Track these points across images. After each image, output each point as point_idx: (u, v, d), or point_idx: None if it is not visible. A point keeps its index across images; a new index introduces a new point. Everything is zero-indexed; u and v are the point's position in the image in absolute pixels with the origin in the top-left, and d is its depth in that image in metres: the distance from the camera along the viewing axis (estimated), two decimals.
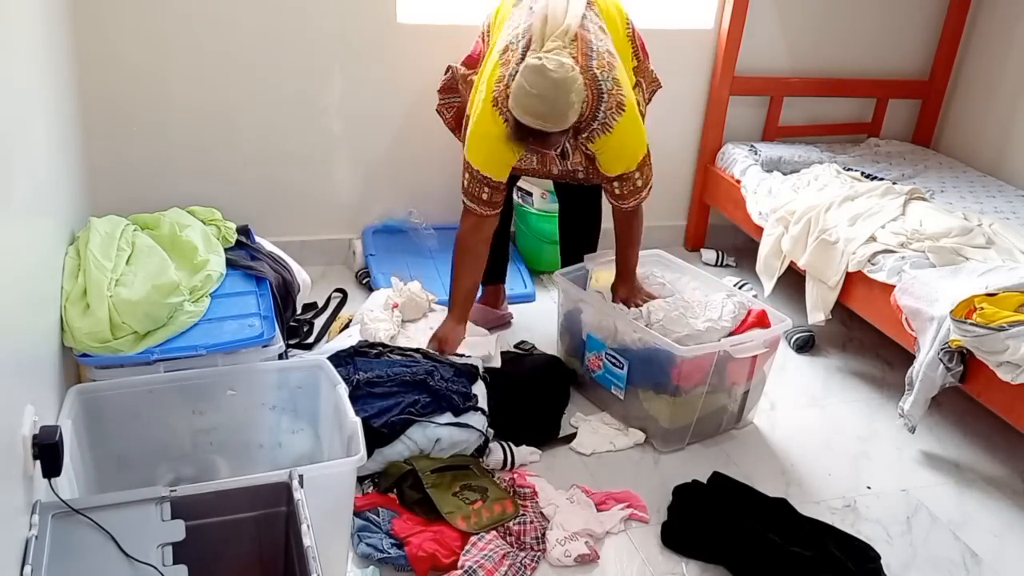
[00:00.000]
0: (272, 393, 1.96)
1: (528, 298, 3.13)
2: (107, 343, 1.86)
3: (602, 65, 2.24)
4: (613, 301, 2.55)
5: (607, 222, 2.88)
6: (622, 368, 2.41)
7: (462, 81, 2.62)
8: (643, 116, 2.62)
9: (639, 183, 2.40)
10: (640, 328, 2.34)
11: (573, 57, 2.21)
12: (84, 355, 1.86)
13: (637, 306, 2.50)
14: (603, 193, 2.53)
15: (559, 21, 2.28)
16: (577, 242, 2.81)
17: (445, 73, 2.71)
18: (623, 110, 2.25)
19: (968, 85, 3.65)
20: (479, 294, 2.95)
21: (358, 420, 1.74)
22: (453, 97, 2.70)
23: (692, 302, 2.45)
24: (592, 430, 2.44)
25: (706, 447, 2.44)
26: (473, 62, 2.58)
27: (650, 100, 2.66)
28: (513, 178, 2.76)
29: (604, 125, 2.24)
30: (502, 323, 2.96)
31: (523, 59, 2.23)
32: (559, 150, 2.39)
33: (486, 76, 2.32)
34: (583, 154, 2.41)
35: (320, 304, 2.96)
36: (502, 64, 2.28)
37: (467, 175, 2.37)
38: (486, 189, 2.36)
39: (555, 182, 2.79)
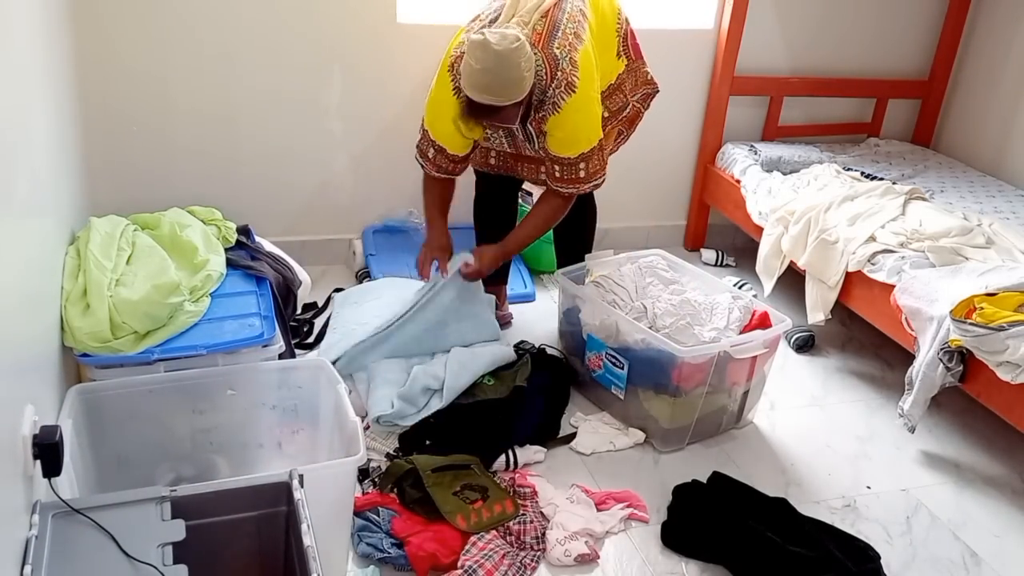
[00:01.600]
0: (272, 393, 1.97)
1: (528, 298, 3.13)
2: (107, 343, 1.86)
3: (563, 45, 2.25)
4: (454, 257, 2.55)
5: (602, 222, 2.89)
6: (622, 368, 2.41)
7: None
8: (637, 117, 2.61)
9: (581, 173, 2.37)
10: (641, 329, 2.34)
11: (537, 33, 2.23)
12: (84, 355, 1.86)
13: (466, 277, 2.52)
14: (545, 173, 2.47)
15: (535, 2, 2.29)
16: (571, 242, 2.81)
17: None
18: (573, 91, 2.24)
19: (968, 85, 3.65)
20: None
21: (358, 420, 1.75)
22: None
23: (699, 306, 2.44)
24: (592, 430, 2.44)
25: (706, 447, 2.44)
26: None
27: (648, 104, 2.65)
28: (516, 182, 2.76)
29: (554, 104, 2.25)
30: (503, 323, 2.96)
31: (485, 30, 2.24)
32: (521, 128, 2.40)
33: (452, 40, 2.36)
34: (544, 135, 2.40)
35: (320, 304, 2.96)
36: (466, 31, 2.31)
37: (420, 132, 2.43)
38: (431, 150, 2.42)
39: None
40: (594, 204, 2.81)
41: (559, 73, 2.23)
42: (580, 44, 2.28)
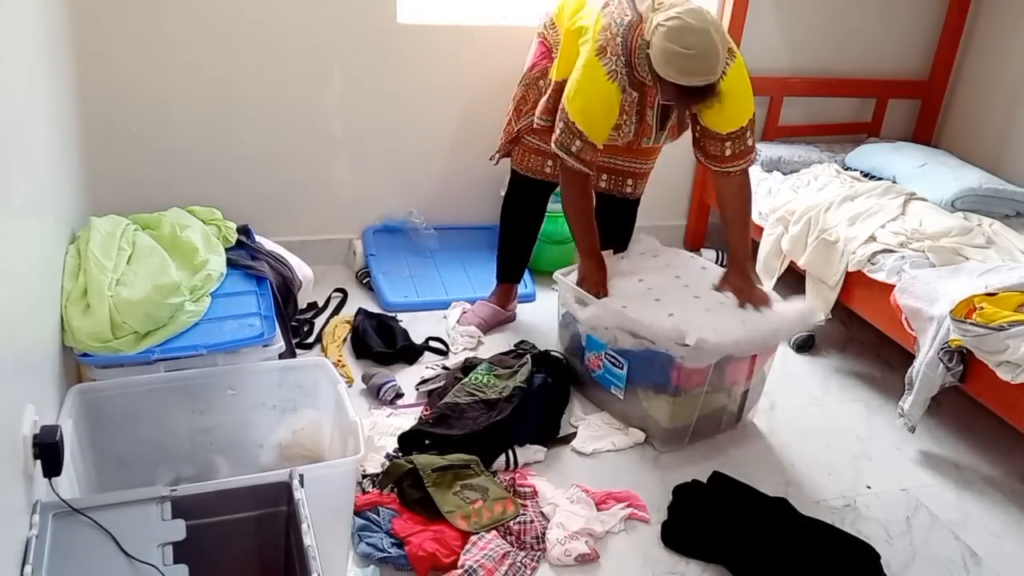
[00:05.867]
0: (272, 393, 1.97)
1: (529, 298, 3.13)
2: (107, 343, 1.86)
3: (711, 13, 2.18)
4: (720, 289, 2.41)
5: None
6: (622, 368, 2.41)
7: (531, 86, 2.57)
8: None
9: (750, 141, 2.30)
10: (639, 325, 2.33)
11: None
12: (84, 355, 1.86)
13: (746, 306, 2.35)
14: (701, 154, 2.39)
15: None
16: (610, 243, 2.75)
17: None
18: (734, 56, 2.20)
19: (968, 85, 3.64)
20: (493, 292, 2.95)
21: (358, 419, 1.75)
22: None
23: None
24: (592, 429, 2.44)
25: (706, 447, 2.44)
26: (540, 64, 2.54)
27: None
28: (550, 185, 2.75)
29: (721, 73, 2.15)
30: (507, 321, 2.97)
31: (631, 10, 2.18)
32: (659, 119, 2.34)
33: (590, 27, 2.25)
34: (679, 122, 2.35)
35: (320, 304, 2.96)
36: (604, 16, 2.23)
37: (561, 124, 2.31)
38: (577, 142, 2.30)
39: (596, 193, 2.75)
40: (636, 211, 2.82)
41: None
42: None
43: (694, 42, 2.04)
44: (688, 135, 2.46)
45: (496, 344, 2.82)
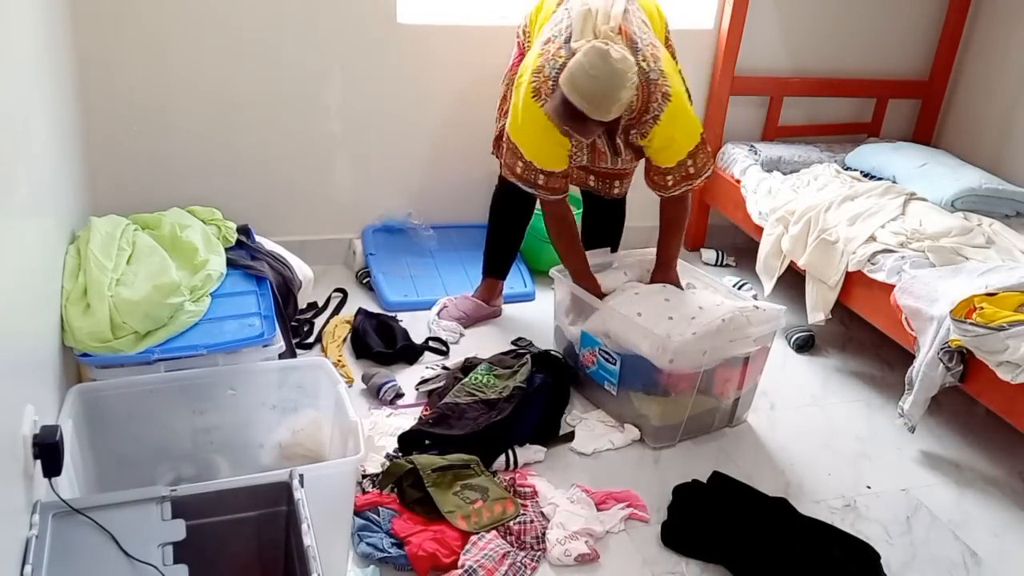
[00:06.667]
0: (272, 393, 1.96)
1: (528, 297, 3.13)
2: (107, 343, 1.86)
3: (647, 57, 2.24)
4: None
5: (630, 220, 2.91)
6: (615, 364, 2.41)
7: (510, 85, 2.58)
8: None
9: (691, 170, 2.37)
10: (630, 324, 2.33)
11: None
12: (84, 355, 1.86)
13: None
14: (647, 179, 2.46)
15: (605, 15, 2.27)
16: (599, 244, 2.80)
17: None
18: (668, 100, 2.24)
19: (968, 85, 3.64)
20: (478, 287, 2.96)
21: (358, 419, 1.75)
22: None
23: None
24: (589, 428, 2.44)
25: (706, 447, 2.44)
26: (518, 65, 2.55)
27: None
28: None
29: (654, 117, 2.24)
30: (490, 316, 2.97)
31: (565, 48, 2.22)
32: (607, 143, 2.41)
33: (528, 67, 2.32)
34: (632, 149, 2.41)
35: (320, 304, 2.96)
36: (541, 55, 2.29)
37: (520, 163, 2.39)
38: (540, 176, 2.38)
39: (583, 190, 2.79)
40: (624, 208, 2.85)
41: (652, 87, 2.23)
42: (660, 52, 2.30)
43: (600, 68, 2.12)
44: None
45: (494, 343, 2.82)
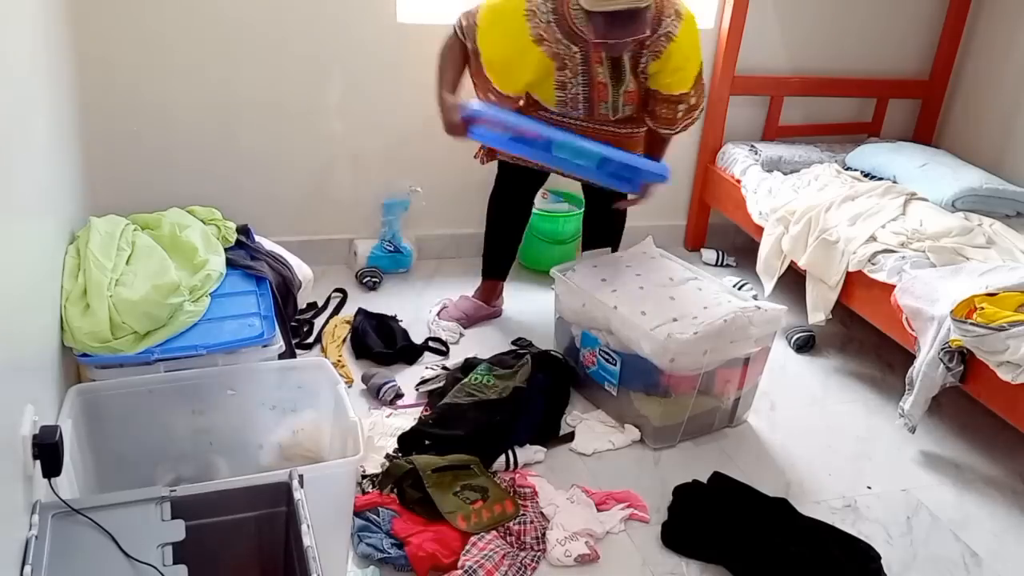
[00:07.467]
0: (272, 393, 1.96)
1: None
2: (107, 343, 1.86)
3: None
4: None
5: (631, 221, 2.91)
6: (615, 364, 2.41)
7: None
8: None
9: (692, 101, 2.33)
10: (631, 324, 2.33)
11: None
12: (84, 355, 1.86)
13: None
14: (650, 118, 2.41)
15: None
16: (600, 244, 2.81)
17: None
18: (681, 17, 2.21)
19: (968, 85, 3.65)
20: (478, 288, 2.96)
21: (358, 420, 1.74)
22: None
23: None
24: (589, 428, 2.44)
25: (706, 447, 2.44)
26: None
27: None
28: (538, 181, 2.75)
29: (667, 34, 2.19)
30: (491, 317, 2.97)
31: None
32: (612, 74, 2.33)
33: None
34: (637, 80, 2.36)
35: (320, 304, 2.96)
36: None
37: (465, 19, 2.36)
38: (466, 21, 2.37)
39: (583, 184, 2.78)
40: (624, 215, 2.84)
41: (665, 3, 2.19)
42: None
43: None
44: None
45: (493, 343, 2.83)
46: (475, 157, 2.78)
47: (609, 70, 2.35)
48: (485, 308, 2.95)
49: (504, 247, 2.93)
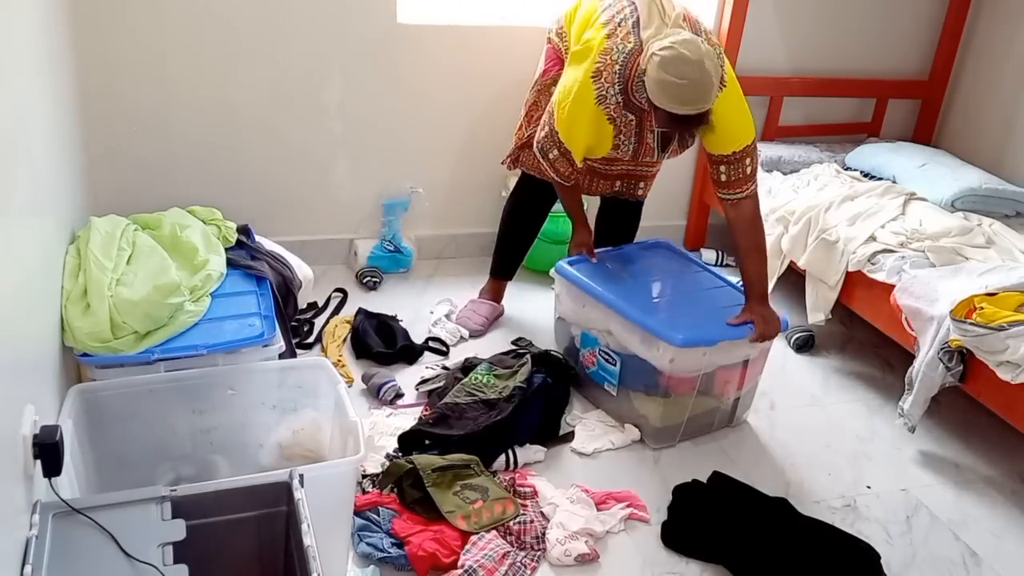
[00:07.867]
0: (272, 393, 1.96)
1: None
2: (107, 343, 1.86)
3: (712, 43, 2.26)
4: (739, 321, 2.32)
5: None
6: (615, 364, 2.41)
7: (543, 92, 2.60)
8: None
9: (748, 169, 2.31)
10: (628, 331, 2.33)
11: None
12: (84, 355, 1.86)
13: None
14: (712, 184, 2.42)
15: (671, 3, 2.31)
16: (613, 244, 2.80)
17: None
18: (724, 86, 2.24)
19: (968, 85, 3.65)
20: (484, 287, 2.97)
21: (358, 419, 1.75)
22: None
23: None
24: (589, 428, 2.44)
25: (706, 447, 2.44)
26: (552, 71, 2.58)
27: None
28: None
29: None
30: (498, 316, 2.98)
31: (635, 34, 2.24)
32: (660, 143, 2.41)
33: (594, 45, 2.30)
34: (682, 142, 2.43)
35: (320, 304, 2.96)
36: (609, 38, 2.28)
37: (546, 129, 2.41)
38: (555, 151, 2.41)
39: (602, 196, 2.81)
40: (640, 211, 2.87)
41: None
42: (713, 35, 2.32)
43: (687, 72, 2.09)
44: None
45: (493, 343, 2.82)
46: (502, 163, 2.83)
47: (659, 136, 2.41)
48: (497, 308, 2.97)
49: (518, 249, 2.96)
